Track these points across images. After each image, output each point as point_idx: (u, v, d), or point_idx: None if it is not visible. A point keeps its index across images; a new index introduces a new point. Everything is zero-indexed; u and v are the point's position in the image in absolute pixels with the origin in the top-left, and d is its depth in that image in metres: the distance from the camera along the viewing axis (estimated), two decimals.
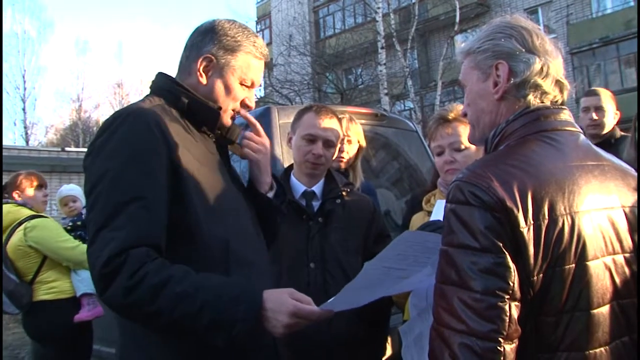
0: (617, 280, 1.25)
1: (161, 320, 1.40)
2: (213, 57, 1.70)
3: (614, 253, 1.25)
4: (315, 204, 2.36)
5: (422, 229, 2.08)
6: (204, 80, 1.71)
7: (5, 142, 19.85)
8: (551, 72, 1.39)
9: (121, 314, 1.49)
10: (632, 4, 19.41)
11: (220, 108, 1.72)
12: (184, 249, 1.54)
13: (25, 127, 30.73)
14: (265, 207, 1.91)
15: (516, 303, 1.14)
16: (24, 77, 30.13)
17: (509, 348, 1.13)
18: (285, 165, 3.45)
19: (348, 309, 1.67)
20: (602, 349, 1.21)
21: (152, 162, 1.50)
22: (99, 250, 1.41)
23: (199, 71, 1.71)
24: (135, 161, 1.48)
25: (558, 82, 1.40)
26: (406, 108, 21.79)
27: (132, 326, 1.56)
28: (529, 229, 1.16)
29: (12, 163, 12.40)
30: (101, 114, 35.69)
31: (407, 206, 3.29)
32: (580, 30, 19.74)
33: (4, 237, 3.80)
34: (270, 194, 1.93)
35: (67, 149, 17.00)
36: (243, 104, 1.78)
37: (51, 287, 3.76)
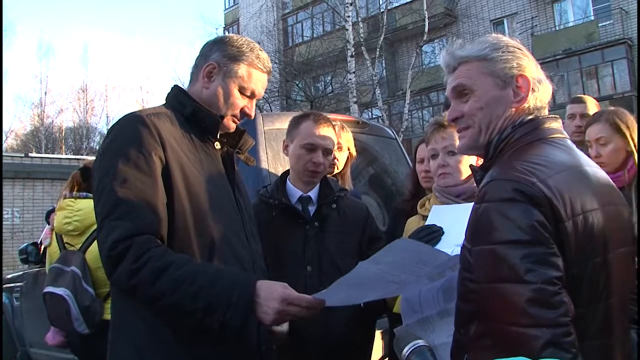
0: (627, 271, 1.34)
1: (163, 301, 1.54)
2: (216, 65, 1.82)
3: (622, 246, 1.34)
4: (311, 209, 2.39)
5: (417, 232, 2.12)
6: (207, 85, 1.83)
7: None
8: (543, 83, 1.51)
9: (128, 295, 1.61)
10: (592, 18, 20.09)
11: (222, 116, 1.83)
12: (169, 245, 1.63)
13: None
14: None
15: (566, 290, 1.19)
16: None
17: (573, 330, 1.17)
18: (271, 171, 3.48)
19: (341, 305, 1.71)
20: (622, 336, 1.29)
21: (148, 160, 1.62)
22: (105, 236, 1.57)
23: (204, 77, 1.83)
24: (133, 158, 1.61)
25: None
26: (374, 116, 21.96)
27: (121, 323, 1.71)
28: (569, 223, 1.22)
29: None
30: (64, 120, 35.03)
31: (390, 218, 3.34)
32: (544, 42, 20.26)
33: (82, 240, 3.27)
34: None
35: (30, 154, 16.53)
36: (243, 113, 1.88)
37: None
